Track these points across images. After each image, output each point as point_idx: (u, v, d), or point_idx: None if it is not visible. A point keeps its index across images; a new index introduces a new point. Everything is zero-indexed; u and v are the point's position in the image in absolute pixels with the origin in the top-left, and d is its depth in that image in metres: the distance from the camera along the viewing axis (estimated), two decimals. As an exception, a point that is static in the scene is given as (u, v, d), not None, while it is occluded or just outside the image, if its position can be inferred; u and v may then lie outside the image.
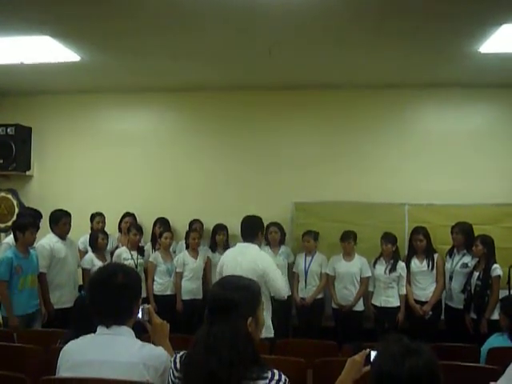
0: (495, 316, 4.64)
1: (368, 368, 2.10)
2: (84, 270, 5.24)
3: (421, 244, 5.25)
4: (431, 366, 1.61)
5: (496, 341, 3.59)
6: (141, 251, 5.63)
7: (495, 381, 2.41)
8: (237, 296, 1.88)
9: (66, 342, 2.18)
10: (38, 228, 4.81)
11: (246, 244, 4.18)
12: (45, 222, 5.13)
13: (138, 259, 5.49)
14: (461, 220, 5.29)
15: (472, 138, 6.14)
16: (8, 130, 6.53)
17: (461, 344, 3.76)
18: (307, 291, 5.60)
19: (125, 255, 5.44)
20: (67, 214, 5.09)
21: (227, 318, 1.82)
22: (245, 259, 4.02)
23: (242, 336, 1.81)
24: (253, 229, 4.24)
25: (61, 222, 5.02)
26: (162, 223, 6.07)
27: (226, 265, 4.12)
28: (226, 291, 1.91)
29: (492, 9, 3.84)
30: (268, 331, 3.88)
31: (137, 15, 4.07)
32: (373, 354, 2.10)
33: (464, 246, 5.16)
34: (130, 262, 5.24)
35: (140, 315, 2.23)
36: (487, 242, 4.84)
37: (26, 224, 4.64)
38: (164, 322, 2.32)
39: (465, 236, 5.15)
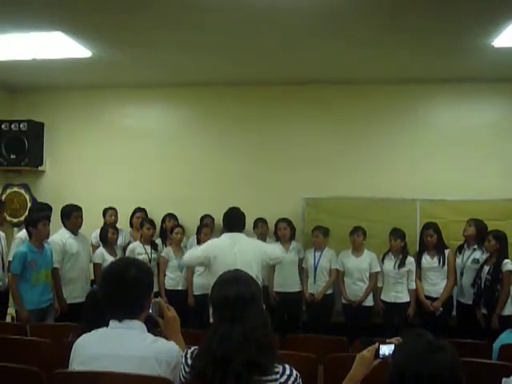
0: (507, 312, 4.62)
1: (377, 362, 2.10)
2: (95, 265, 5.27)
3: (431, 239, 5.22)
4: (455, 363, 1.61)
5: (508, 337, 3.57)
6: (154, 246, 5.67)
7: (508, 377, 2.40)
8: (254, 288, 2.01)
9: (79, 336, 2.19)
10: (49, 220, 4.83)
11: (236, 234, 4.35)
12: (56, 217, 5.16)
13: (151, 253, 5.53)
14: (473, 215, 5.25)
15: (485, 133, 6.08)
16: (21, 125, 6.58)
17: (473, 340, 3.74)
18: (316, 287, 5.59)
19: (138, 250, 5.48)
20: (78, 208, 5.10)
21: (251, 308, 1.92)
22: (241, 248, 4.18)
23: (269, 320, 1.96)
24: (241, 219, 4.47)
25: (72, 215, 5.03)
26: (171, 219, 6.09)
27: (217, 256, 4.17)
28: (239, 285, 1.98)
29: (505, 3, 3.80)
30: None
31: (149, 10, 4.07)
32: (382, 347, 2.10)
33: (475, 240, 5.12)
34: (143, 257, 5.28)
35: (150, 310, 2.23)
36: (500, 237, 4.80)
37: (37, 218, 4.66)
38: (176, 316, 2.33)
39: (477, 229, 5.10)
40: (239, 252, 4.14)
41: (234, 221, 4.44)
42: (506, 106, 6.14)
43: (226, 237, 4.39)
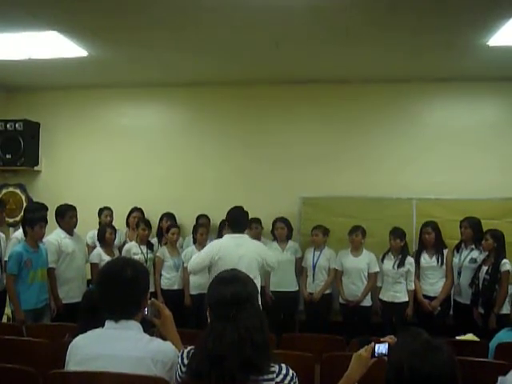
0: (504, 311, 4.63)
1: (373, 361, 2.10)
2: (92, 265, 5.26)
3: (429, 237, 5.22)
4: (452, 362, 1.62)
5: (505, 336, 3.57)
6: (150, 246, 5.65)
7: (504, 375, 2.41)
8: (250, 288, 2.00)
9: (75, 337, 2.18)
10: (46, 222, 4.82)
11: (240, 235, 4.31)
12: (52, 217, 5.14)
13: (147, 254, 5.53)
14: (469, 214, 5.26)
15: (480, 132, 6.09)
16: (16, 125, 6.58)
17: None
18: (315, 286, 5.59)
19: (134, 250, 5.47)
20: (73, 208, 5.10)
21: (247, 308, 1.91)
22: (246, 251, 4.15)
23: (265, 321, 1.94)
24: (246, 220, 4.47)
25: (67, 215, 5.03)
26: (169, 218, 6.08)
27: (221, 258, 4.11)
28: (235, 285, 1.97)
29: (500, 2, 3.81)
30: None
31: (144, 10, 4.07)
32: (377, 346, 2.10)
33: (472, 240, 5.12)
34: (139, 257, 5.28)
35: (146, 312, 2.21)
36: (497, 236, 4.81)
37: (35, 219, 4.66)
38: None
39: (473, 230, 5.12)
40: (243, 254, 4.10)
41: (238, 221, 4.36)
42: (502, 105, 6.16)
43: (231, 238, 4.31)
